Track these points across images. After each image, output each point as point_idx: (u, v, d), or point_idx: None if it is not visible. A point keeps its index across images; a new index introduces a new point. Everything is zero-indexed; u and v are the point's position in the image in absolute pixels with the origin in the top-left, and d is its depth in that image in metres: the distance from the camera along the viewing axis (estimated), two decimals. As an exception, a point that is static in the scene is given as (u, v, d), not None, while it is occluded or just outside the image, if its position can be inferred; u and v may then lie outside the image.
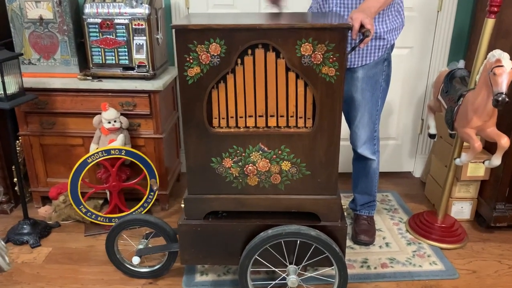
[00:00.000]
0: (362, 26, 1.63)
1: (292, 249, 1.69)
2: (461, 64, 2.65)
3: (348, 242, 2.26)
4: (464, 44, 2.75)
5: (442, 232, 2.29)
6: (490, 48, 1.98)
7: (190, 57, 1.52)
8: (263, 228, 1.69)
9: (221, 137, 1.64)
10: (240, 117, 1.62)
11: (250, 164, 1.67)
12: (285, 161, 1.66)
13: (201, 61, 1.53)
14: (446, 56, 2.76)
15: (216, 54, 1.52)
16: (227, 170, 1.68)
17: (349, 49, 1.71)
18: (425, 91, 2.84)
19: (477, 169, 2.34)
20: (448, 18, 2.67)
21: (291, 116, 1.61)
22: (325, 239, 1.65)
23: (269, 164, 1.67)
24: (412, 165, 3.05)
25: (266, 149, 1.65)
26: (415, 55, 2.75)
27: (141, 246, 1.96)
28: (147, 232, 2.02)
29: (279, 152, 1.65)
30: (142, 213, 2.36)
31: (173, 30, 1.52)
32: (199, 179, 1.70)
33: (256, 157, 1.66)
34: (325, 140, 1.63)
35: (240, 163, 1.67)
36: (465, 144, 2.17)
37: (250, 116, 1.62)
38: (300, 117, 1.61)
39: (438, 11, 2.66)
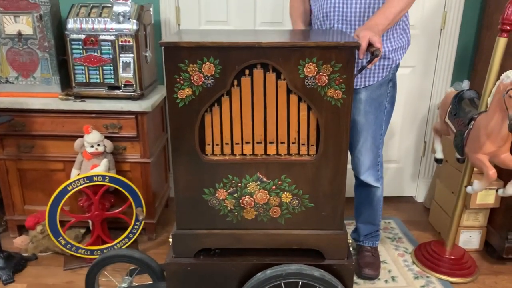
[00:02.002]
0: (370, 45, 1.50)
1: (294, 291, 1.52)
2: (466, 84, 2.52)
3: (351, 276, 2.09)
4: (468, 63, 2.64)
5: (451, 265, 2.13)
6: (500, 68, 1.86)
7: (181, 77, 1.37)
8: (261, 267, 1.51)
9: (215, 166, 1.47)
10: (236, 144, 1.46)
11: (247, 196, 1.50)
12: (285, 192, 1.50)
13: (193, 82, 1.37)
14: (449, 76, 2.64)
15: (209, 75, 1.36)
16: (221, 202, 1.51)
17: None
18: (427, 112, 2.71)
19: (487, 196, 2.19)
20: (452, 36, 2.55)
21: (293, 143, 1.46)
22: (329, 279, 1.48)
23: (268, 195, 1.50)
24: (414, 190, 2.90)
25: (264, 179, 1.48)
26: (418, 74, 2.63)
27: (124, 285, 1.76)
28: (131, 268, 1.83)
29: (279, 182, 1.48)
30: (127, 245, 2.17)
31: (162, 48, 1.36)
32: (189, 212, 1.52)
33: (253, 188, 1.49)
34: (330, 169, 1.47)
35: (235, 195, 1.50)
36: (475, 169, 2.03)
37: (247, 143, 1.46)
38: (303, 144, 1.46)
39: (441, 29, 2.55)
